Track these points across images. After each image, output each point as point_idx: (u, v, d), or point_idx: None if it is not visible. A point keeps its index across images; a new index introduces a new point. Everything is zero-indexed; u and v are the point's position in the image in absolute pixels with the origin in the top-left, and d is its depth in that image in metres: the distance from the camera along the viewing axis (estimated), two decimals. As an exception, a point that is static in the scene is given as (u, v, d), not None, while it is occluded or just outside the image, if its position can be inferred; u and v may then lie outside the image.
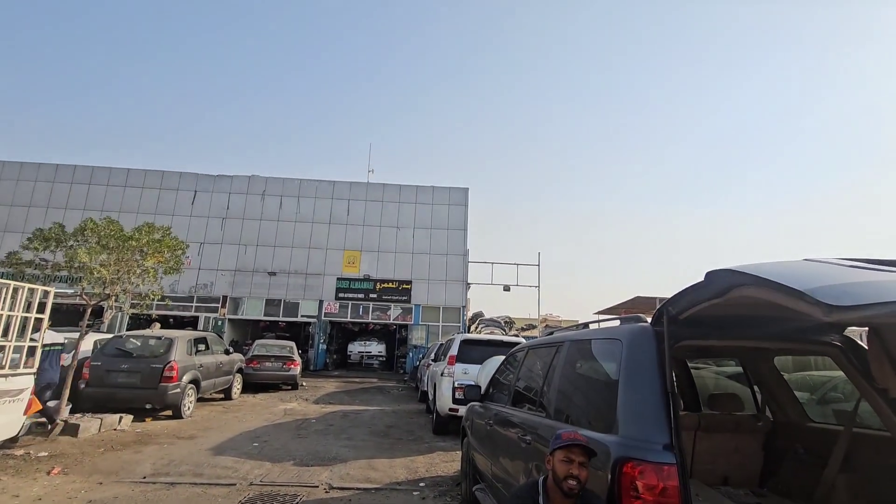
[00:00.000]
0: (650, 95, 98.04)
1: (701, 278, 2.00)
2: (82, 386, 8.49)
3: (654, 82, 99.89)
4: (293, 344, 15.35)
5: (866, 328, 2.53)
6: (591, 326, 3.39)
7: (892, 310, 1.32)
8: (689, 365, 4.89)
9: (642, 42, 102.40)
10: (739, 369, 3.97)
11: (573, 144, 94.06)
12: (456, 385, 8.11)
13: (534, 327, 27.08)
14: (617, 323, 2.83)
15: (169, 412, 9.02)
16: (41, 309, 5.96)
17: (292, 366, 14.09)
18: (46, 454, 6.11)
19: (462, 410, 6.24)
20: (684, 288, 2.10)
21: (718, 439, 3.20)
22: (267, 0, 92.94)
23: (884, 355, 2.35)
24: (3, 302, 5.32)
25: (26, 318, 5.67)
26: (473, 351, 8.79)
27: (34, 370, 5.84)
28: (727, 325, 2.47)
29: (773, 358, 3.29)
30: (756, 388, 3.48)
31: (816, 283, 1.45)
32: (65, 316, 19.99)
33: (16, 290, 5.51)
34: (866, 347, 2.49)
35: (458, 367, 8.52)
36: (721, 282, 1.86)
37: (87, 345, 9.44)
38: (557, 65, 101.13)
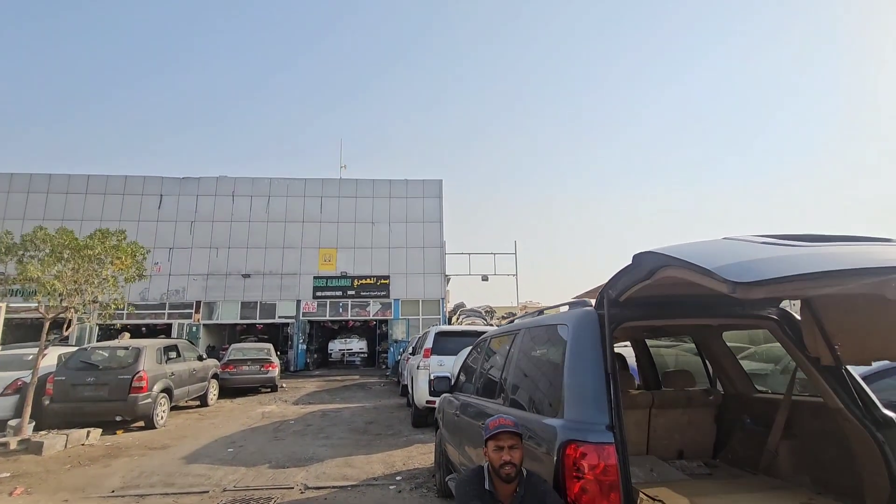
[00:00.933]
0: (622, 76, 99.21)
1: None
2: (46, 402, 8.22)
3: (622, 63, 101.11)
4: (270, 346, 15.15)
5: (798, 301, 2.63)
6: (547, 313, 3.44)
7: (789, 283, 1.38)
8: (658, 343, 5.02)
9: (612, 22, 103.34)
10: None
11: (543, 129, 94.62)
12: (432, 377, 8.13)
13: (514, 315, 27.36)
14: (566, 308, 2.87)
15: (141, 423, 8.82)
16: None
17: (270, 368, 13.92)
18: (8, 475, 5.90)
19: (439, 402, 6.29)
20: (618, 271, 2.14)
21: (672, 415, 3.30)
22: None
23: (815, 326, 2.46)
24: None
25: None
26: (449, 342, 8.84)
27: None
28: (668, 305, 2.53)
29: (721, 333, 3.40)
30: (707, 363, 3.60)
31: (724, 261, 1.50)
32: (30, 330, 19.29)
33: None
34: (799, 319, 2.59)
35: (434, 360, 8.55)
36: (646, 263, 1.91)
37: (51, 359, 9.15)
38: (522, 50, 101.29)
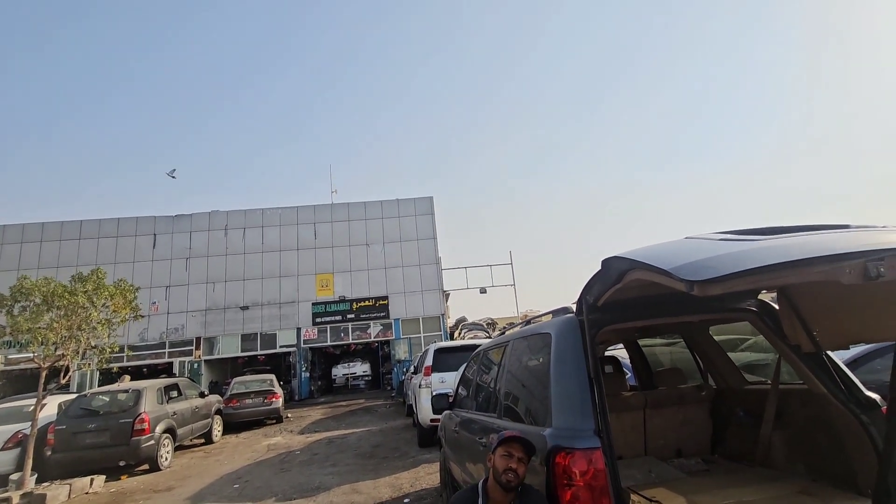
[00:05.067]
0: (615, 72, 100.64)
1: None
2: (48, 453, 8.12)
3: (616, 60, 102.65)
4: (272, 377, 15.04)
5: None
6: (535, 322, 3.47)
7: (743, 278, 1.43)
8: (654, 342, 5.03)
9: (597, 21, 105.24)
10: None
11: (530, 131, 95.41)
12: (434, 395, 8.11)
13: (515, 326, 27.30)
14: (551, 317, 2.91)
15: (146, 466, 8.71)
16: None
17: (274, 399, 13.79)
18: (12, 531, 5.82)
19: (442, 420, 6.26)
20: (591, 277, 2.19)
21: (667, 414, 3.32)
22: (197, 19, 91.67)
23: (792, 314, 2.51)
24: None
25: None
26: (450, 358, 8.82)
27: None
28: (647, 305, 2.58)
29: (708, 329, 3.43)
30: (698, 358, 3.62)
31: (681, 260, 1.56)
32: (30, 381, 19.08)
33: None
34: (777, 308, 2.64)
35: (435, 377, 8.53)
36: (615, 268, 1.96)
37: (52, 409, 9.07)
38: (505, 52, 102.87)
